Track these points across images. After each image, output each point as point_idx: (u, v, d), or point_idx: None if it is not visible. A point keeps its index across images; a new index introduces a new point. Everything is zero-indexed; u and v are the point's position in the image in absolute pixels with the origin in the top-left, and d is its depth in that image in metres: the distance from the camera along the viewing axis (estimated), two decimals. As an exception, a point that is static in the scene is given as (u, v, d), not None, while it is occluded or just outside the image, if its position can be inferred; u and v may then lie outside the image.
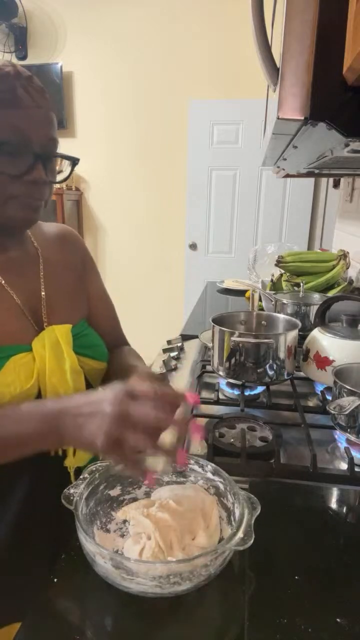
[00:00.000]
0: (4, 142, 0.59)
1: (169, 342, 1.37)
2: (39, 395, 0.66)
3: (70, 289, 0.79)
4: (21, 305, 0.69)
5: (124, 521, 0.58)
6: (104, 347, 0.81)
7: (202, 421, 0.90)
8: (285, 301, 1.36)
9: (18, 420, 0.56)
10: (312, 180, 3.10)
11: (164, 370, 1.15)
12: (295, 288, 1.61)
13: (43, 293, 0.73)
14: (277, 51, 0.56)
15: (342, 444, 0.80)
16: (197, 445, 0.82)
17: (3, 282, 0.68)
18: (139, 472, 0.55)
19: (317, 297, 1.43)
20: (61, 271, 0.79)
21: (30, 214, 0.66)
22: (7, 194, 0.62)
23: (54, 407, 0.56)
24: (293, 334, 0.97)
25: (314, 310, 1.28)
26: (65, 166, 0.71)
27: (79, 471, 0.65)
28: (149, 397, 0.52)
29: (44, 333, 0.69)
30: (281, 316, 1.09)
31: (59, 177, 0.70)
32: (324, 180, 3.03)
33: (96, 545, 0.48)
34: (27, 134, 0.61)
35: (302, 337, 1.04)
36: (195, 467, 0.63)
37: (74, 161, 0.70)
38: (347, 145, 0.61)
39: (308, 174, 1.39)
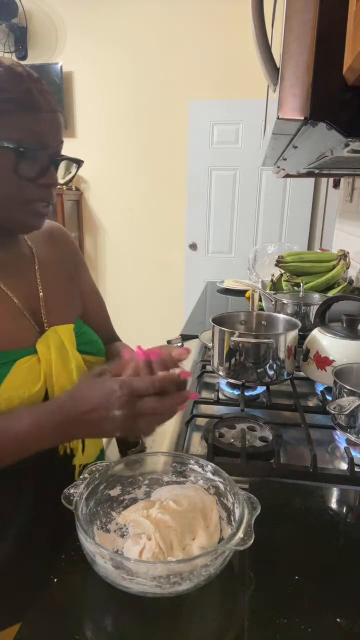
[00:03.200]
0: (24, 146, 0.59)
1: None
2: (46, 398, 0.65)
3: (65, 288, 0.79)
4: (21, 307, 0.68)
5: (124, 521, 0.58)
6: (101, 342, 0.81)
7: (203, 421, 0.90)
8: (285, 301, 1.36)
9: (27, 435, 0.56)
10: (312, 180, 3.10)
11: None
12: (295, 288, 1.61)
13: (41, 294, 0.72)
14: (277, 51, 0.56)
15: (342, 444, 0.80)
16: (197, 445, 0.82)
17: (2, 285, 0.67)
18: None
19: (317, 297, 1.43)
20: (55, 270, 0.78)
21: (41, 219, 0.67)
22: (24, 198, 0.62)
23: (64, 417, 0.56)
24: (293, 334, 0.97)
25: (314, 310, 1.29)
26: (72, 168, 0.70)
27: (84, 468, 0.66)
28: (150, 391, 0.55)
29: (47, 334, 0.69)
30: (281, 316, 1.09)
31: (64, 179, 0.70)
32: (324, 180, 3.03)
33: (96, 545, 0.48)
34: (44, 138, 0.61)
35: (302, 337, 1.05)
36: (195, 467, 0.63)
37: (79, 163, 0.70)
38: (347, 145, 0.61)
39: (308, 174, 1.39)
